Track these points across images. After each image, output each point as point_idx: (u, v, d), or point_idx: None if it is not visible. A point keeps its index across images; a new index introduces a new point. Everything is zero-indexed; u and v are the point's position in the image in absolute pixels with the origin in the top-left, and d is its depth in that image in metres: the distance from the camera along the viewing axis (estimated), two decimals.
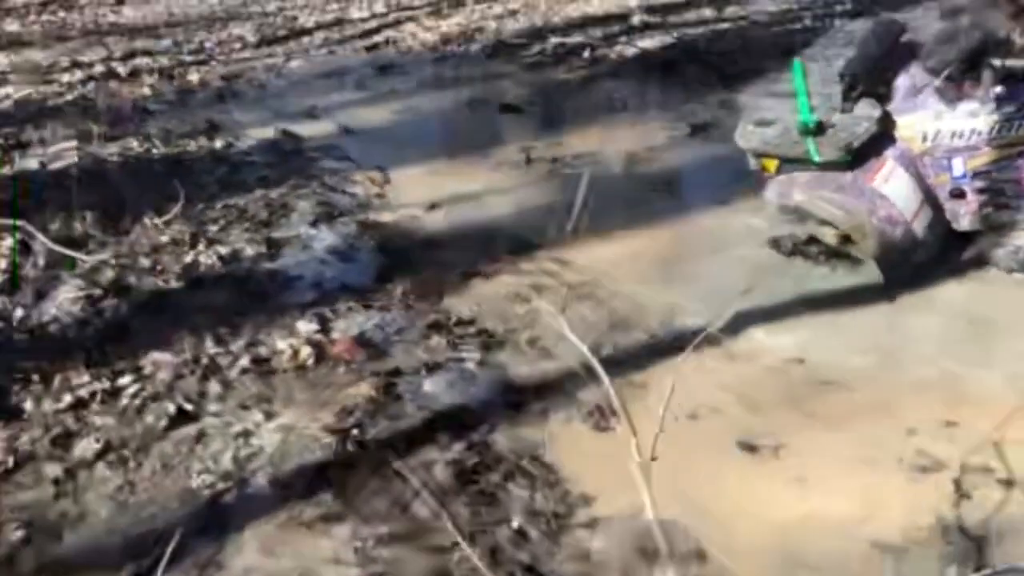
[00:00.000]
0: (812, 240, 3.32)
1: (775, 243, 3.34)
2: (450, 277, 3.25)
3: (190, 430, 2.54)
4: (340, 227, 3.69)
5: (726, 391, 2.59)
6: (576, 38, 6.02)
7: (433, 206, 3.87)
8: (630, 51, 5.72)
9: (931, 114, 2.97)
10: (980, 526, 2.10)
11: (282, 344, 2.88)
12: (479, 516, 2.19)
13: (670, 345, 2.79)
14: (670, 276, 3.19)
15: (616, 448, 2.38)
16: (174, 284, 3.29)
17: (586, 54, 5.73)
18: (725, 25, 5.98)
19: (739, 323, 2.87)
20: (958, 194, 3.02)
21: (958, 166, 2.99)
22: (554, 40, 5.98)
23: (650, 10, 6.35)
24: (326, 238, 3.59)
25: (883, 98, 3.06)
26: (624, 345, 2.83)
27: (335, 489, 2.28)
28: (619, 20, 6.33)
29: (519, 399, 2.59)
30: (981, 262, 3.07)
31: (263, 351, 2.88)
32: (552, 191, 3.95)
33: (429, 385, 2.66)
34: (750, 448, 2.38)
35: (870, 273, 3.06)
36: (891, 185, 3.01)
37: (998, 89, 2.85)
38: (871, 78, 3.08)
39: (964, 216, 3.05)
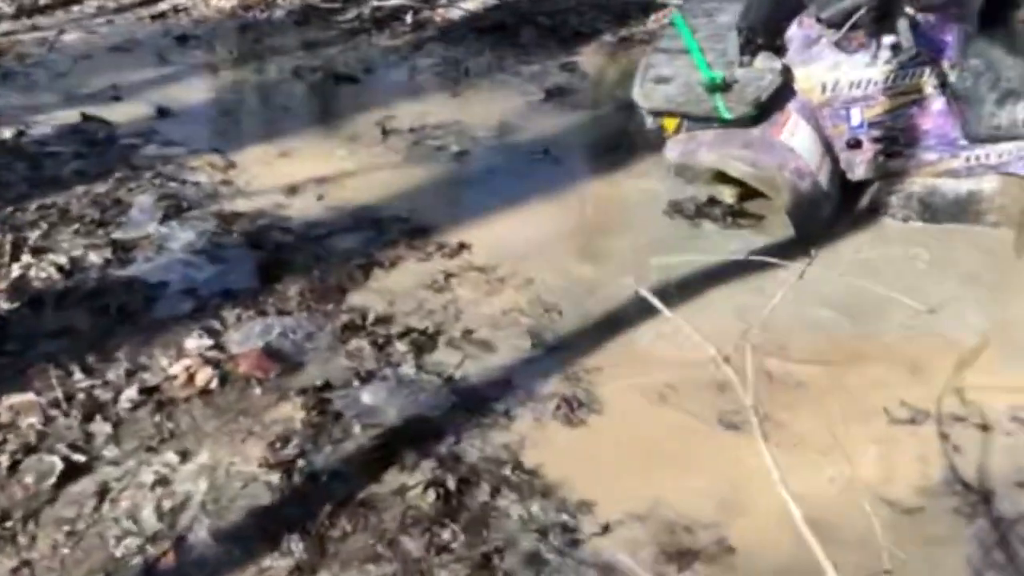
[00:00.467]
0: (712, 201, 3.25)
1: (676, 207, 3.24)
2: (347, 269, 2.89)
3: (87, 485, 2.07)
4: (195, 222, 3.19)
5: (686, 368, 2.42)
6: (391, 1, 5.64)
7: (293, 189, 3.45)
8: (455, 13, 5.43)
9: (828, 65, 2.95)
10: (980, 477, 2.08)
11: (172, 367, 2.43)
12: (478, 543, 1.91)
13: (611, 324, 2.62)
14: (585, 251, 3.00)
15: (596, 443, 2.20)
16: (5, 306, 2.70)
17: (408, 18, 5.38)
18: None
19: (676, 296, 2.73)
20: (854, 144, 3.03)
21: (856, 116, 2.99)
22: (373, 3, 5.57)
23: None
24: (182, 236, 3.09)
25: (778, 50, 3.00)
26: (565, 330, 2.61)
27: (299, 534, 1.91)
28: None
29: (475, 401, 2.32)
30: (874, 210, 3.10)
31: (150, 378, 2.41)
32: (423, 166, 3.64)
33: (368, 397, 2.32)
34: (732, 426, 2.24)
35: (779, 230, 3.03)
36: (797, 138, 2.97)
37: (892, 38, 2.86)
38: (767, 31, 3.02)
39: (859, 165, 3.07)
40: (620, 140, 3.78)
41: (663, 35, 3.21)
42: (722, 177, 3.18)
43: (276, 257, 2.97)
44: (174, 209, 3.26)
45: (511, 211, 3.25)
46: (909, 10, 2.76)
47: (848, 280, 2.66)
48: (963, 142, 2.90)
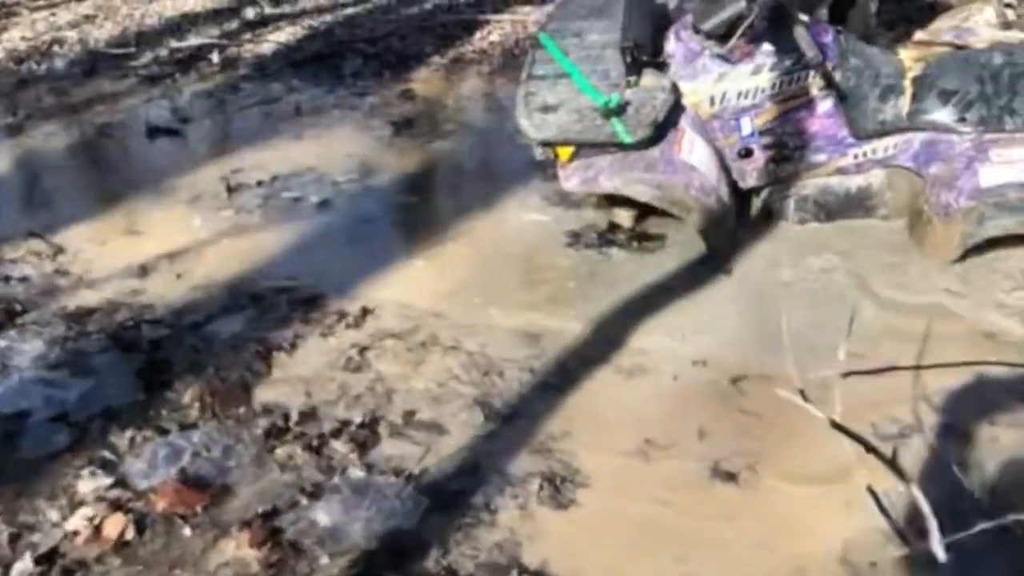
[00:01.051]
0: (613, 227, 3.12)
1: (577, 237, 3.09)
2: (244, 360, 2.51)
3: None
4: (37, 328, 2.68)
5: (659, 420, 2.26)
6: (191, 40, 5.14)
7: (144, 270, 3.00)
8: (265, 47, 5.02)
9: (714, 77, 2.89)
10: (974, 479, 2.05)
11: (69, 520, 1.99)
12: None
13: (561, 379, 2.41)
14: (503, 299, 2.76)
15: (594, 524, 1.99)
16: None
17: (215, 57, 4.91)
18: (352, 10, 5.50)
19: (609, 334, 2.57)
20: (746, 153, 2.99)
21: (746, 125, 2.95)
22: (171, 44, 5.05)
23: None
24: (27, 348, 2.59)
25: (660, 67, 2.90)
26: (513, 393, 2.37)
27: None
28: (231, 15, 5.53)
29: (447, 498, 2.04)
30: (768, 216, 3.07)
31: (43, 539, 1.96)
32: (285, 222, 3.28)
33: (324, 517, 1.98)
34: (728, 476, 2.09)
35: (688, 248, 2.94)
36: (696, 155, 2.88)
37: (774, 45, 2.84)
38: (652, 47, 2.92)
39: (751, 174, 3.03)
40: (488, 170, 3.60)
41: (533, 60, 3.01)
42: (611, 199, 3.07)
43: (154, 357, 2.54)
44: (5, 315, 2.73)
45: (404, 262, 2.98)
46: (803, 17, 2.73)
47: None
48: (851, 140, 2.92)
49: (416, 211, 3.33)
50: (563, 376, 2.41)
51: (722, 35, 2.81)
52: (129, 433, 2.24)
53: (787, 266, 2.84)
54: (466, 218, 3.24)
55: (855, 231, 2.99)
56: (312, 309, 2.73)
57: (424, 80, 4.55)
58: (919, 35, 3.28)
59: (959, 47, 2.97)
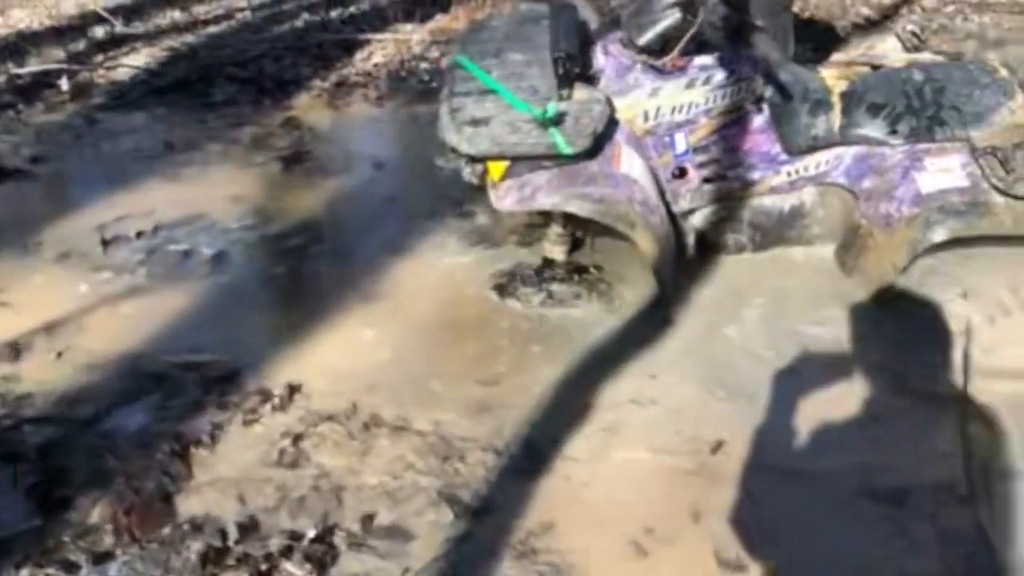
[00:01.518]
0: (548, 263, 2.91)
1: (510, 279, 2.85)
2: (158, 463, 2.13)
3: None
4: None
5: (639, 497, 2.05)
6: (33, 65, 4.58)
7: (16, 350, 2.56)
8: (122, 72, 4.52)
9: (647, 92, 2.76)
10: None
11: None
12: None
13: (531, 460, 2.17)
14: (441, 364, 2.48)
15: None
16: None
17: (64, 84, 4.38)
18: (215, 28, 5.06)
19: (571, 401, 2.35)
20: (679, 173, 2.86)
21: (680, 142, 2.82)
22: (12, 69, 4.47)
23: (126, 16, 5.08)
24: None
25: (590, 81, 2.73)
26: (479, 480, 2.10)
27: None
28: (76, 34, 4.97)
29: None
30: (703, 242, 2.93)
31: None
32: (176, 281, 2.88)
33: None
34: (737, 568, 1.89)
35: (631, 284, 2.76)
36: (635, 169, 2.73)
37: (708, 58, 2.71)
38: (582, 61, 2.73)
39: (684, 196, 2.90)
40: (395, 207, 3.31)
41: (453, 79, 2.77)
42: (544, 224, 2.86)
43: (46, 467, 2.12)
44: None
45: (324, 325, 2.65)
46: (759, 23, 2.60)
47: None
48: (783, 157, 2.82)
49: (325, 261, 2.99)
50: (532, 456, 2.17)
51: (660, 49, 2.68)
52: (26, 573, 1.84)
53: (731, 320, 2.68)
54: (383, 268, 2.93)
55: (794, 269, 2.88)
56: (228, 390, 2.38)
57: (307, 107, 4.20)
58: (835, 58, 3.22)
59: (875, 67, 2.92)
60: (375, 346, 2.56)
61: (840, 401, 2.31)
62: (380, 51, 4.67)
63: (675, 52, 2.65)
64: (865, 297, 2.71)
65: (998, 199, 2.59)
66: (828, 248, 2.92)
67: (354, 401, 2.33)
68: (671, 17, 2.62)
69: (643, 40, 2.67)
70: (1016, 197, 2.55)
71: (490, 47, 2.89)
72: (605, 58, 2.78)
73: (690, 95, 2.74)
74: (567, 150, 2.54)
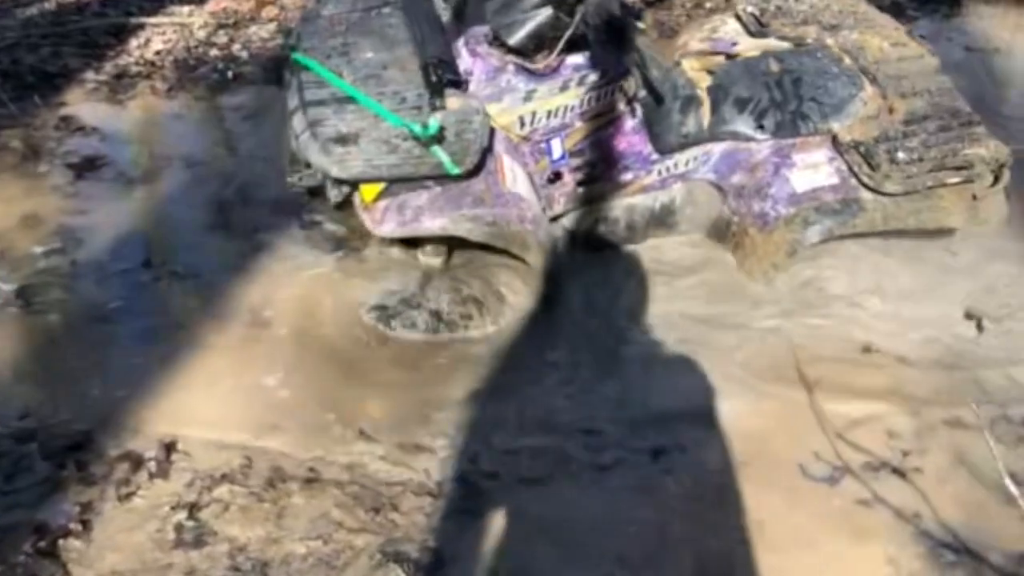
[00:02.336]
0: (427, 277, 2.69)
1: (388, 297, 2.61)
2: (23, 566, 1.71)
3: None
4: None
5: (590, 528, 1.91)
6: None
7: None
8: None
9: (522, 96, 2.60)
10: None
11: None
12: None
13: (468, 492, 1.96)
14: (333, 403, 2.20)
15: None
16: None
17: None
18: None
19: (486, 432, 2.15)
20: (555, 177, 2.74)
21: (557, 148, 2.70)
22: None
23: None
24: None
25: (458, 85, 2.51)
26: (419, 529, 1.87)
27: None
28: None
29: None
30: (574, 244, 2.84)
31: None
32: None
33: None
34: None
35: (517, 294, 2.60)
36: (519, 183, 2.57)
37: (580, 58, 2.58)
38: (453, 65, 2.51)
39: (559, 200, 2.81)
40: (226, 219, 2.92)
41: (300, 84, 2.45)
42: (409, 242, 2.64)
43: None
44: None
45: (184, 365, 2.27)
46: (640, 24, 2.49)
47: None
48: (654, 156, 2.77)
49: (161, 292, 2.56)
50: (471, 494, 1.95)
51: (533, 49, 2.51)
52: None
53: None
54: (235, 290, 2.57)
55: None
56: (85, 459, 1.98)
57: (84, 103, 3.62)
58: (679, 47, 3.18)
59: (730, 56, 2.91)
60: (253, 384, 2.23)
61: None
62: (159, 37, 4.13)
63: (554, 53, 2.49)
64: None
65: (868, 196, 2.65)
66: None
67: (247, 455, 2.01)
68: (543, 15, 2.47)
69: (514, 40, 2.50)
70: (885, 194, 2.62)
71: (334, 43, 2.60)
72: (472, 59, 2.58)
73: (565, 98, 2.60)
74: (455, 171, 2.33)
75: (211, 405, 2.14)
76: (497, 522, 1.89)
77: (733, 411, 2.22)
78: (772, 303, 2.66)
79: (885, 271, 2.74)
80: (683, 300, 2.66)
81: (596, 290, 2.67)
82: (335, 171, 2.28)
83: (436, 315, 2.55)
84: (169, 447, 2.00)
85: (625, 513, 1.93)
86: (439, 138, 2.31)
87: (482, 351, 2.41)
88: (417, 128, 2.30)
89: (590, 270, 2.74)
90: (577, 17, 2.46)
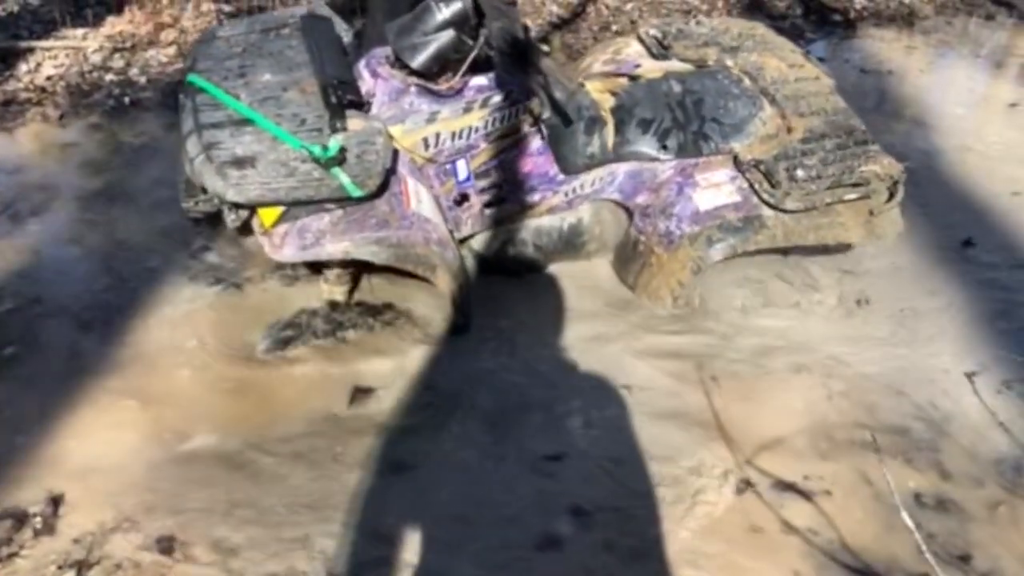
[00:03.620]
0: (335, 306, 2.64)
1: (295, 329, 2.54)
2: None
3: None
4: None
5: None
6: None
7: None
8: None
9: (425, 117, 2.58)
10: None
11: None
12: None
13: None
14: (245, 460, 2.11)
15: None
16: None
17: None
18: None
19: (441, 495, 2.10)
20: (461, 199, 2.72)
21: (462, 169, 2.68)
22: None
23: None
24: None
25: (359, 107, 2.48)
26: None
27: None
28: None
29: None
30: (485, 267, 2.82)
31: None
32: None
33: None
34: None
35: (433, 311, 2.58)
36: (424, 205, 2.54)
37: (483, 79, 2.57)
38: (355, 86, 2.48)
39: (466, 222, 2.80)
40: (124, 253, 2.81)
41: (194, 106, 2.38)
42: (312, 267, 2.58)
43: None
44: None
45: (67, 413, 2.15)
46: (546, 48, 2.47)
47: None
48: (561, 177, 2.77)
49: (48, 329, 2.43)
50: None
51: (436, 72, 2.50)
52: None
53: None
54: (122, 329, 2.47)
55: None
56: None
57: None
58: (583, 68, 3.20)
59: (633, 78, 2.94)
60: (140, 430, 2.11)
61: None
62: (49, 61, 3.98)
63: (458, 76, 2.49)
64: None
65: (769, 213, 2.69)
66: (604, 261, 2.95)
67: (142, 512, 1.89)
68: (445, 37, 2.46)
69: (417, 62, 2.48)
70: (786, 211, 2.66)
71: (231, 65, 2.54)
72: (375, 80, 2.55)
73: (469, 119, 2.59)
74: (357, 193, 2.28)
75: (95, 454, 2.02)
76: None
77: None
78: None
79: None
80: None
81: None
82: (231, 195, 2.21)
83: (342, 326, 2.55)
84: (56, 500, 1.88)
85: None
86: (340, 160, 2.26)
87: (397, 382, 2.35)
88: (317, 150, 2.25)
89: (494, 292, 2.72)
90: (481, 39, 2.45)
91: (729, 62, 2.96)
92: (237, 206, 2.30)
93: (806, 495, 2.09)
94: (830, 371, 2.54)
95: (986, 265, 3.00)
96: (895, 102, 4.08)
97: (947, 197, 3.38)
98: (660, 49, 3.08)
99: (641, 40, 3.16)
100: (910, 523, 1.86)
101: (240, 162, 2.24)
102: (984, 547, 1.98)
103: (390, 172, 2.39)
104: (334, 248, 2.33)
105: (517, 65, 2.45)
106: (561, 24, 4.71)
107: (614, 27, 4.70)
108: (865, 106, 3.71)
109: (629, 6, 4.98)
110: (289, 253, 2.32)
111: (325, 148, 2.25)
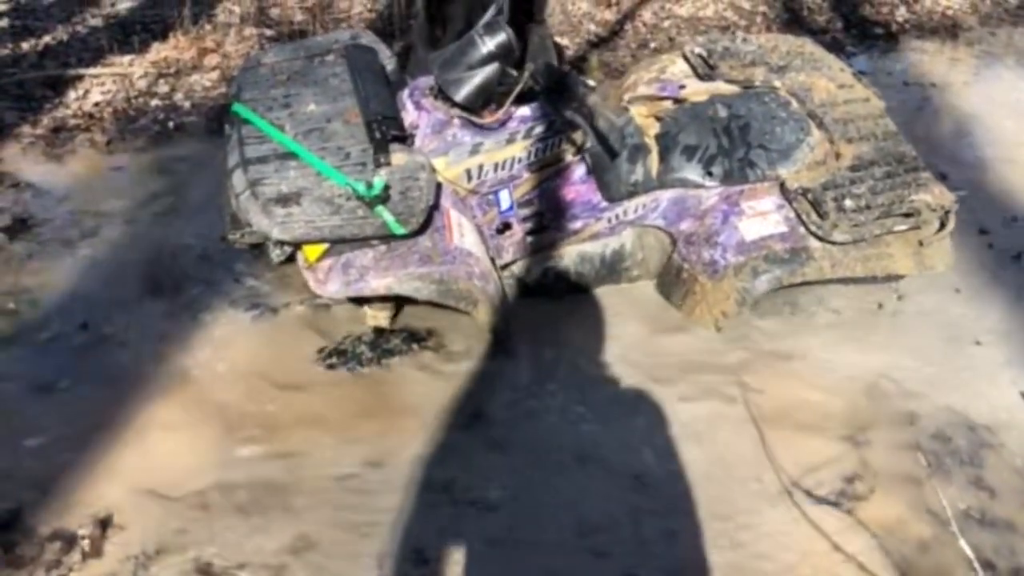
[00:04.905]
0: (380, 332, 2.66)
1: (339, 356, 2.56)
2: None
3: None
4: None
5: None
6: None
7: None
8: None
9: (469, 149, 2.57)
10: None
11: None
12: None
13: None
14: (292, 474, 2.12)
15: None
16: None
17: None
18: None
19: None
20: (503, 228, 2.72)
21: (505, 199, 2.68)
22: None
23: None
24: None
25: (403, 140, 2.48)
26: None
27: None
28: None
29: None
30: (526, 290, 2.81)
31: None
32: None
33: None
34: None
35: (472, 340, 2.58)
36: (468, 239, 2.54)
37: (527, 110, 2.57)
38: (398, 120, 2.48)
39: (508, 249, 2.79)
40: (173, 279, 2.84)
41: (240, 139, 2.40)
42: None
43: None
44: None
45: (119, 433, 2.18)
46: (591, 82, 2.47)
47: None
48: (603, 204, 2.74)
49: (97, 351, 2.47)
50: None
51: (480, 105, 2.52)
52: None
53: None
54: (170, 352, 2.49)
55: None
56: (12, 540, 1.88)
57: (19, 159, 3.52)
58: (627, 87, 3.17)
59: (677, 101, 2.91)
60: (184, 454, 2.14)
61: None
62: (97, 88, 4.04)
63: (503, 109, 2.49)
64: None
65: (816, 244, 2.64)
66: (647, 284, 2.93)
67: (186, 526, 1.91)
68: (490, 71, 2.47)
69: (460, 96, 2.49)
70: (834, 243, 2.61)
71: (276, 94, 2.56)
72: (418, 112, 2.56)
73: (512, 150, 2.59)
74: (400, 231, 2.29)
75: (146, 474, 2.05)
76: None
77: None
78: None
79: None
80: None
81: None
82: (276, 233, 2.23)
83: (389, 352, 2.57)
84: (104, 522, 1.91)
85: None
86: (384, 198, 2.27)
87: (440, 407, 2.35)
88: (361, 188, 2.26)
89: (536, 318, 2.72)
90: (526, 73, 2.45)
91: (777, 83, 2.92)
92: (282, 242, 2.32)
93: (850, 511, 2.07)
94: (875, 384, 2.51)
95: None
96: (938, 114, 4.01)
97: (993, 210, 3.33)
98: (706, 68, 3.02)
99: (686, 58, 3.12)
100: (962, 541, 1.83)
101: (285, 199, 2.25)
102: None
103: (433, 207, 2.40)
104: (377, 284, 2.34)
105: (558, 94, 2.45)
106: (599, 42, 4.70)
107: (652, 44, 4.67)
108: (908, 120, 3.65)
109: (667, 23, 4.95)
110: (333, 289, 2.33)
111: (369, 186, 2.25)
